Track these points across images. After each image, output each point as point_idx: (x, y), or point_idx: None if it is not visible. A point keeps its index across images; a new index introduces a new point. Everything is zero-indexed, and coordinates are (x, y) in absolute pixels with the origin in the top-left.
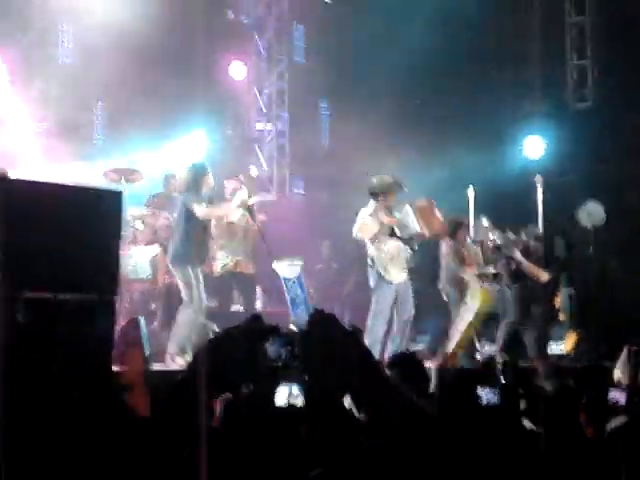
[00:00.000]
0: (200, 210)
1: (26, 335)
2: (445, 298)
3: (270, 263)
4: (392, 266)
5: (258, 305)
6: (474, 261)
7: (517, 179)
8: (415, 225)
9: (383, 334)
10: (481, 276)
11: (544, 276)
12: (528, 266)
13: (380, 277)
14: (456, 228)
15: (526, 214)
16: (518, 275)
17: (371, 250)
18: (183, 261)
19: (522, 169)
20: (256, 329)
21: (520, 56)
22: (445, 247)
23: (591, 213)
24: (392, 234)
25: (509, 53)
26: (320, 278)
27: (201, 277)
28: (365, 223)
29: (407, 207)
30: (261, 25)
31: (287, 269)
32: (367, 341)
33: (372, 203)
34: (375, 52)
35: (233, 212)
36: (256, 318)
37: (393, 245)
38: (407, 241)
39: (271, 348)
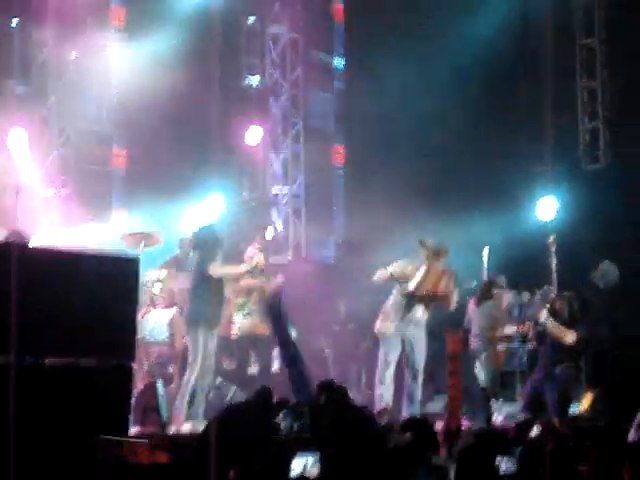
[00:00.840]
0: (213, 269)
1: (45, 401)
2: (482, 357)
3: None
4: (383, 318)
5: (274, 367)
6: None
7: (531, 240)
8: (414, 282)
9: (390, 383)
10: (505, 336)
11: (570, 337)
12: (553, 327)
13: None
14: (498, 287)
15: (540, 275)
16: (543, 336)
17: None
18: (196, 322)
19: (536, 230)
20: (266, 404)
21: (533, 118)
22: (478, 308)
23: (605, 274)
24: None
25: (522, 115)
26: (336, 339)
27: (213, 339)
28: (382, 269)
29: (423, 267)
30: (277, 90)
31: None
32: (377, 392)
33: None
34: (389, 116)
35: (244, 273)
36: (265, 392)
37: (393, 296)
38: (406, 295)
39: (283, 422)
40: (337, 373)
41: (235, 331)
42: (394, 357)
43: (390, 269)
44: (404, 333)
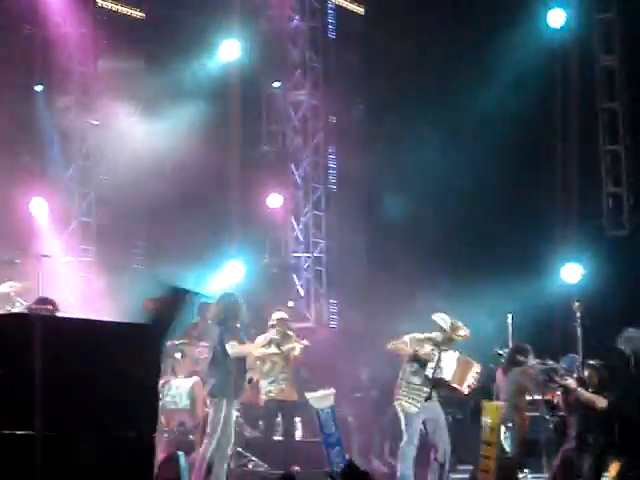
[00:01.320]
0: (231, 349)
1: (65, 474)
2: (509, 425)
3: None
4: (408, 396)
5: (298, 435)
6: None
7: (555, 306)
8: (449, 371)
9: (413, 461)
10: (531, 404)
11: (602, 403)
12: (583, 394)
13: (399, 404)
14: (525, 355)
15: (565, 341)
16: (573, 404)
17: (402, 372)
18: (220, 395)
19: (560, 296)
20: None
21: (558, 184)
22: (505, 376)
23: (631, 339)
24: (422, 366)
25: (547, 182)
26: (359, 406)
27: (234, 412)
28: (402, 341)
29: (455, 354)
30: (297, 156)
31: (320, 400)
32: (399, 467)
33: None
34: (410, 181)
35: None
36: (289, 477)
37: (417, 376)
38: (435, 382)
39: None
40: (360, 441)
41: (263, 397)
42: (417, 434)
43: (413, 347)
44: (427, 411)
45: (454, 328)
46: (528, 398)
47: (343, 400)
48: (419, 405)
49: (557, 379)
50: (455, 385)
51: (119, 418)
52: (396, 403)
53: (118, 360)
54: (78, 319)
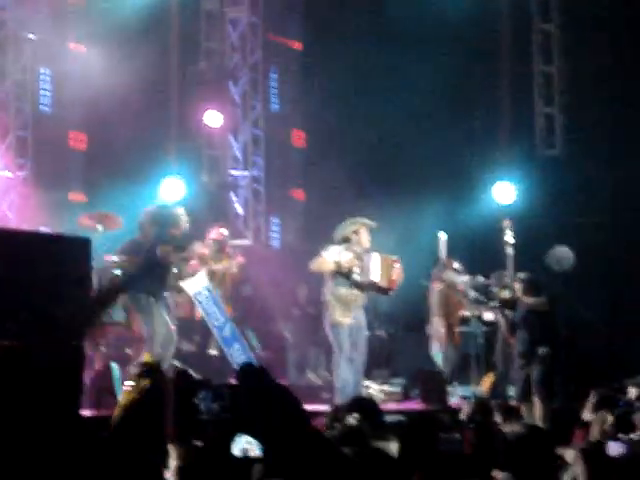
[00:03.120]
0: (160, 250)
1: None
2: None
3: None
4: (339, 308)
5: None
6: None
7: (487, 224)
8: (376, 273)
9: (351, 374)
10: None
11: (545, 305)
12: (528, 300)
13: (330, 318)
14: (456, 271)
15: (496, 259)
16: (517, 318)
17: (327, 288)
18: (135, 288)
19: (492, 214)
20: (184, 385)
21: (490, 104)
22: (435, 292)
23: (560, 258)
24: (348, 276)
25: (479, 101)
26: (296, 322)
27: (163, 311)
28: (322, 258)
29: (375, 254)
30: (236, 74)
31: (193, 284)
32: (337, 385)
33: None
34: (348, 100)
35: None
36: (183, 374)
37: (345, 287)
38: (364, 286)
39: (202, 403)
40: (296, 356)
41: (197, 311)
42: (348, 342)
43: (333, 259)
44: (355, 319)
45: (354, 224)
46: (459, 313)
47: (280, 317)
48: (351, 314)
49: (490, 295)
50: (383, 285)
51: (46, 326)
52: (328, 320)
53: (45, 269)
54: (3, 229)
